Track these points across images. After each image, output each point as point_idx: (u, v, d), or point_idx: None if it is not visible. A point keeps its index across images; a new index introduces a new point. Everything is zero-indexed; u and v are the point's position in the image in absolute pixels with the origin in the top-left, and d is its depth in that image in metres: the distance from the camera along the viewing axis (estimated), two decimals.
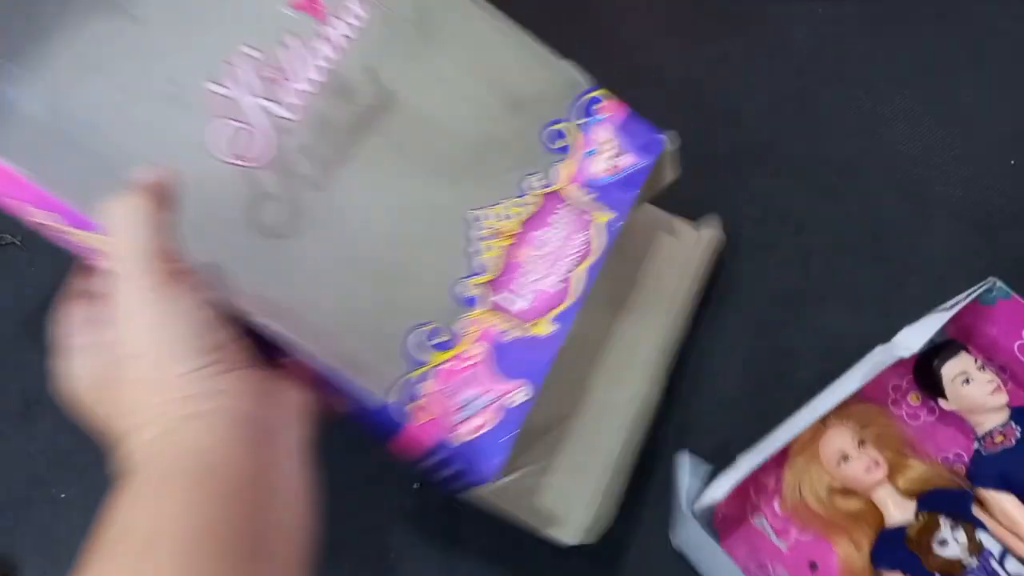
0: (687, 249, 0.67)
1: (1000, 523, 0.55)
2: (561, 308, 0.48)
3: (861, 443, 0.58)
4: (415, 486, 0.63)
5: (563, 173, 0.53)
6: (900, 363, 0.57)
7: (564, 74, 0.57)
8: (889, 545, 0.56)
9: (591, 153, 0.54)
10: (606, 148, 0.55)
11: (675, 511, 0.59)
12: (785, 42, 0.89)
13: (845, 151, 0.81)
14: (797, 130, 0.83)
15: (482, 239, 0.48)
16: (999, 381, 0.60)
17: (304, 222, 0.44)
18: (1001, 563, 0.53)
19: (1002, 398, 0.60)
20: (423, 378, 0.45)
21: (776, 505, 0.61)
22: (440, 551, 0.60)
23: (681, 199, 0.68)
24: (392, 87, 0.48)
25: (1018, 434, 0.58)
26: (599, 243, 0.51)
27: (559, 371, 0.48)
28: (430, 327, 0.45)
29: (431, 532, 0.60)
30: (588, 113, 0.56)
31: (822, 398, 0.57)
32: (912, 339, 0.56)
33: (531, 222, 0.50)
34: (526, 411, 0.46)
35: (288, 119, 0.44)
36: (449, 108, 0.51)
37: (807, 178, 0.80)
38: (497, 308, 0.47)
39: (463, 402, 0.45)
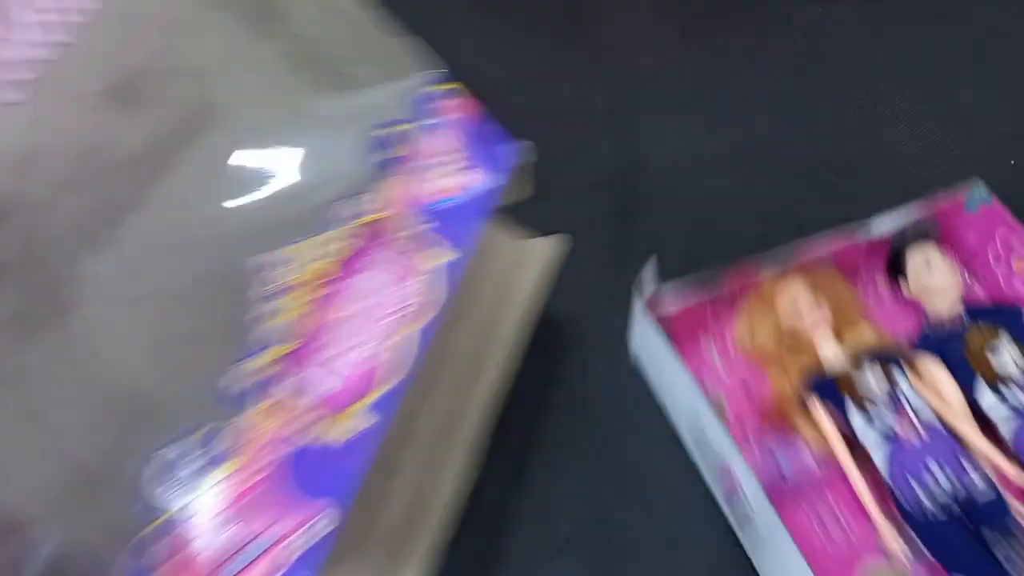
0: (525, 276, 0.53)
1: (924, 384, 0.59)
2: (380, 391, 0.35)
3: (816, 299, 0.63)
4: None
5: (390, 195, 0.39)
6: (875, 252, 0.62)
7: (397, 59, 0.43)
8: (822, 380, 0.60)
9: (428, 167, 0.42)
10: (449, 161, 0.42)
11: (633, 314, 0.61)
12: (785, 42, 0.89)
13: (845, 151, 0.81)
14: (797, 130, 0.83)
15: (271, 296, 0.35)
16: (959, 274, 0.65)
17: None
18: (901, 393, 0.57)
19: (957, 286, 0.64)
20: (165, 531, 0.30)
21: (727, 340, 0.66)
22: (440, 551, 0.60)
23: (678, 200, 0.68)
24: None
25: (976, 324, 0.61)
26: (435, 294, 0.38)
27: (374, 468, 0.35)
28: (177, 450, 0.32)
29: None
30: (426, 114, 0.43)
31: (793, 248, 0.64)
32: (887, 222, 0.62)
33: (345, 265, 0.37)
34: (330, 543, 0.33)
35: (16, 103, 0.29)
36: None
37: (807, 178, 0.80)
38: (290, 398, 0.34)
39: (231, 548, 0.31)
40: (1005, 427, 0.56)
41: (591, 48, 0.92)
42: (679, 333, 0.63)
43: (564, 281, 0.74)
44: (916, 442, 0.55)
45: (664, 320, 0.61)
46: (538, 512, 0.61)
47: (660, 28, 0.93)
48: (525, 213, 0.70)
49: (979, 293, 0.68)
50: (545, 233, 0.72)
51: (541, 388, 0.68)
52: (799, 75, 0.86)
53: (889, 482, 0.55)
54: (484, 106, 0.77)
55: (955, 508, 0.53)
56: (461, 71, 0.84)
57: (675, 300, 0.60)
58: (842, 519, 0.58)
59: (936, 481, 0.53)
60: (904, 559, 0.54)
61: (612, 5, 0.95)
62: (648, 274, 0.59)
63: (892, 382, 0.58)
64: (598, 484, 0.63)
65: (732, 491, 0.56)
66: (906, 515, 0.55)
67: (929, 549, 0.53)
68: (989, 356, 0.58)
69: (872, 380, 0.58)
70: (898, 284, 0.68)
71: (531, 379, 0.69)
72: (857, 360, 0.60)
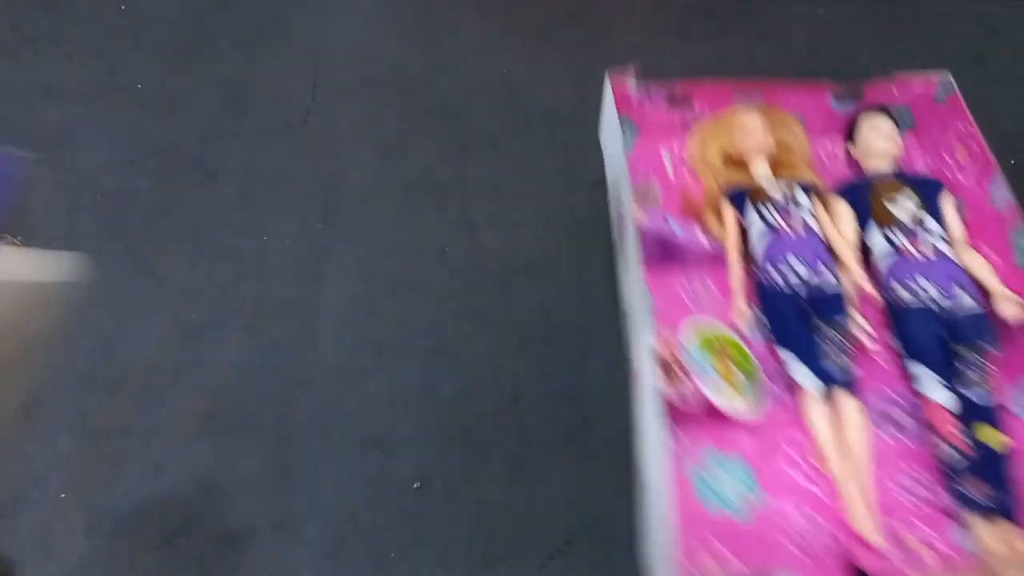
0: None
1: (826, 214, 0.71)
2: None
3: (768, 133, 0.74)
4: (415, 486, 0.63)
5: None
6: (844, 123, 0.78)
7: None
8: (738, 188, 0.73)
9: None
10: None
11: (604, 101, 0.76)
12: (785, 42, 0.89)
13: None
14: None
15: None
16: (899, 142, 0.75)
17: None
18: (796, 200, 0.70)
19: (892, 149, 0.74)
20: None
21: (682, 147, 0.80)
22: (440, 551, 0.60)
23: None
24: None
25: (888, 180, 0.72)
26: None
27: None
28: None
29: (431, 532, 0.60)
30: None
31: (765, 89, 0.78)
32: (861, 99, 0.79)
33: None
34: None
35: None
36: None
37: None
38: None
39: None
40: (882, 262, 0.68)
41: (593, 49, 0.91)
42: (646, 132, 0.78)
43: (564, 282, 0.74)
44: (791, 236, 0.67)
45: (635, 115, 0.77)
46: (538, 512, 0.61)
47: (661, 28, 0.93)
48: (534, 211, 0.70)
49: (925, 170, 0.78)
50: (533, 235, 0.72)
51: (542, 387, 0.69)
52: (799, 75, 0.86)
53: (759, 264, 0.68)
54: (482, 105, 0.77)
55: (802, 292, 0.65)
56: (463, 71, 0.84)
57: (650, 104, 0.77)
58: (704, 291, 0.70)
59: (793, 269, 0.66)
60: (744, 318, 0.68)
61: (612, 5, 0.95)
62: (629, 70, 0.72)
63: (793, 194, 0.70)
64: (598, 484, 0.63)
65: (620, 233, 0.70)
66: (760, 288, 0.68)
67: (765, 313, 0.67)
68: (888, 205, 0.70)
69: (777, 188, 0.71)
70: (848, 144, 0.79)
71: (531, 379, 0.69)
72: (780, 184, 0.72)
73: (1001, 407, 0.62)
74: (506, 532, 0.61)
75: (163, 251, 0.76)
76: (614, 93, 0.75)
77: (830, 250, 0.68)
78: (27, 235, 0.77)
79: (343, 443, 0.65)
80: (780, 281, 0.65)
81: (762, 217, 0.68)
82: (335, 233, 0.77)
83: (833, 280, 0.65)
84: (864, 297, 0.66)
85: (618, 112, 0.75)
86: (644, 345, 0.59)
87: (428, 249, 0.75)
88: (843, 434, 0.61)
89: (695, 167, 0.77)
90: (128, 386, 0.68)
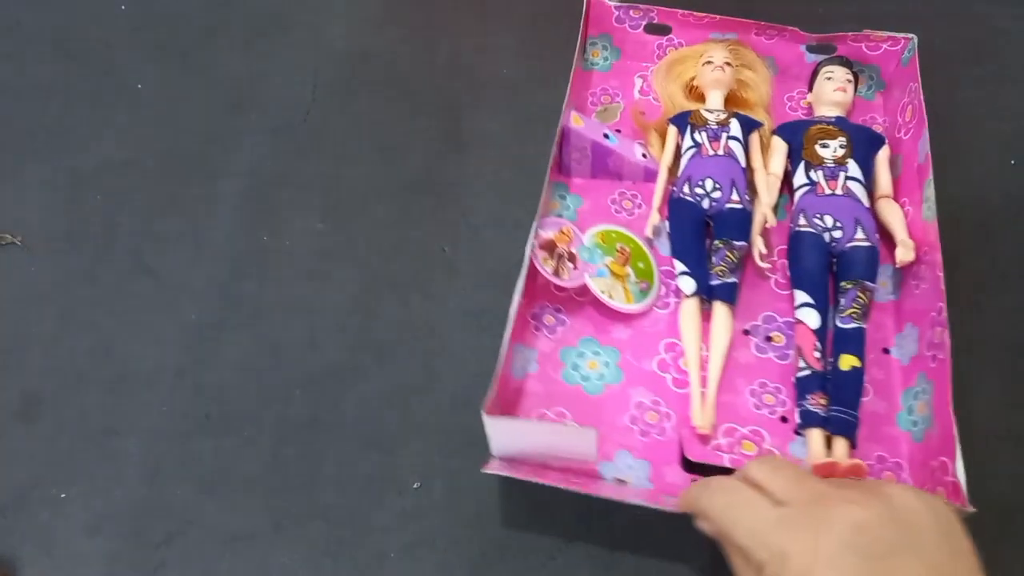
0: None
1: (761, 148, 0.73)
2: None
3: (729, 64, 0.76)
4: (415, 486, 0.63)
5: None
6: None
7: None
8: (684, 113, 0.75)
9: None
10: None
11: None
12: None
13: None
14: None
15: None
16: (850, 94, 0.76)
17: None
18: (728, 127, 0.72)
19: (839, 97, 0.75)
20: None
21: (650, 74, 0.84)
22: (440, 551, 0.60)
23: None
24: None
25: (826, 124, 0.73)
26: None
27: None
28: None
29: (432, 532, 0.60)
30: None
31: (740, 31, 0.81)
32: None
33: None
34: None
35: None
36: None
37: None
38: None
39: None
40: (799, 197, 0.70)
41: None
42: (625, 55, 0.85)
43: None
44: (711, 156, 0.70)
45: (616, 38, 0.84)
46: (539, 511, 0.61)
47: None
48: (534, 211, 0.70)
49: (878, 128, 0.80)
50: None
51: None
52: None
53: (677, 178, 0.72)
54: (482, 105, 0.77)
55: (707, 207, 0.69)
56: (462, 70, 0.84)
57: (630, 28, 0.84)
58: (629, 203, 0.75)
59: (703, 185, 0.69)
60: (652, 225, 0.71)
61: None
62: None
63: (727, 121, 0.73)
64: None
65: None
66: (670, 199, 0.71)
67: (670, 223, 0.70)
68: (817, 147, 0.71)
69: (713, 114, 0.73)
70: (807, 93, 0.81)
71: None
72: (720, 113, 0.74)
73: (885, 349, 0.66)
74: (507, 532, 0.61)
75: (163, 251, 0.76)
76: (590, 13, 0.80)
77: (749, 177, 0.71)
78: (28, 235, 0.77)
79: (343, 443, 0.65)
80: (688, 193, 0.68)
81: (693, 138, 0.71)
82: (335, 233, 0.77)
83: (740, 204, 0.67)
84: (768, 226, 0.68)
85: (597, 32, 0.81)
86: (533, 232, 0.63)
87: (428, 249, 0.75)
88: (708, 337, 0.65)
89: (659, 93, 0.80)
90: (128, 386, 0.68)
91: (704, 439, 0.62)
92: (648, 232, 0.71)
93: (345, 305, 0.72)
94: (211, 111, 0.86)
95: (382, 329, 0.71)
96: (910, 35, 0.79)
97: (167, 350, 0.70)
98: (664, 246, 0.72)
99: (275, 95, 0.87)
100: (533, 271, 0.65)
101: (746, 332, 0.67)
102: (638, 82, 0.84)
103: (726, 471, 0.57)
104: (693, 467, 0.60)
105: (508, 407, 0.63)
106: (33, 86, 0.88)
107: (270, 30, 0.93)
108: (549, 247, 0.66)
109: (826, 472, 0.57)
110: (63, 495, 0.62)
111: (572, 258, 0.66)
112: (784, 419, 0.63)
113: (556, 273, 0.65)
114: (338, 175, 0.81)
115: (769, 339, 0.67)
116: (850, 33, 0.80)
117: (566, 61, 0.77)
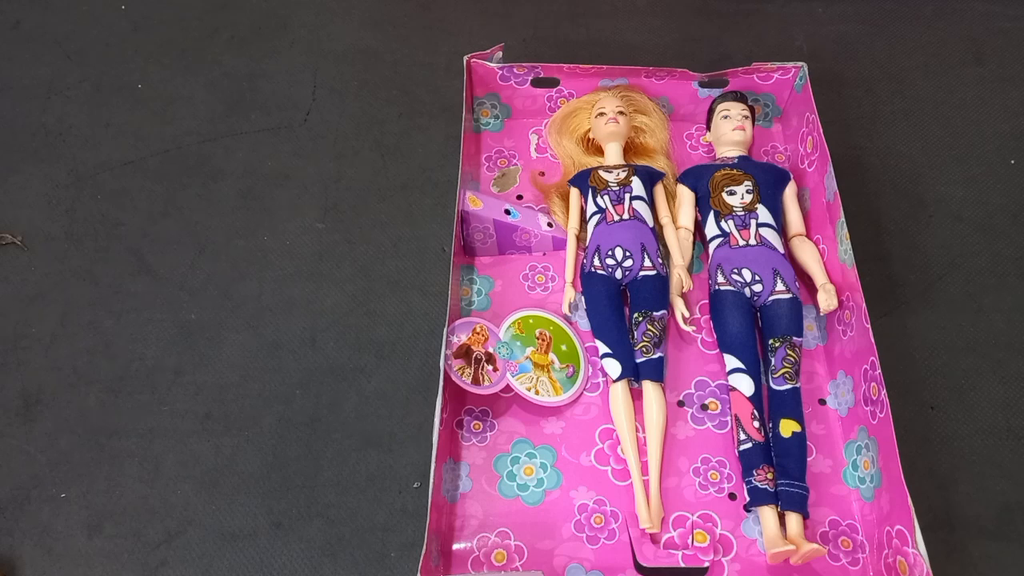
0: None
1: (667, 200, 0.72)
2: None
3: (623, 113, 0.74)
4: (415, 485, 0.63)
5: None
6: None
7: None
8: (583, 172, 0.73)
9: None
10: None
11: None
12: (785, 42, 0.89)
13: (844, 151, 0.81)
14: None
15: None
16: (749, 131, 0.73)
17: None
18: (629, 188, 0.70)
19: (739, 137, 0.72)
20: None
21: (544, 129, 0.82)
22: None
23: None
24: None
25: (730, 168, 0.71)
26: None
27: None
28: None
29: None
30: None
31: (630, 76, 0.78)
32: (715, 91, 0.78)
33: None
34: None
35: None
36: None
37: None
38: None
39: None
40: (713, 250, 0.68)
41: (592, 49, 0.92)
42: (516, 112, 0.82)
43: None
44: (616, 221, 0.68)
45: (504, 95, 0.81)
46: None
47: (662, 28, 0.93)
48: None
49: (779, 160, 0.79)
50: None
51: None
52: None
53: (586, 249, 0.69)
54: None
55: (620, 278, 0.67)
56: (463, 70, 0.84)
57: (515, 85, 0.80)
58: (542, 277, 0.72)
59: (614, 254, 0.67)
60: (568, 300, 0.68)
61: (613, 6, 0.95)
62: (494, 50, 0.76)
63: (628, 179, 0.71)
64: None
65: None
66: (582, 272, 0.68)
67: (585, 299, 0.67)
68: (724, 195, 0.70)
69: (613, 173, 0.71)
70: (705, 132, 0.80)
71: None
72: (618, 171, 0.71)
73: (821, 401, 0.64)
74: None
75: (163, 251, 0.76)
76: (473, 75, 0.76)
77: (659, 237, 0.68)
78: (28, 235, 0.78)
79: (343, 443, 0.65)
80: (600, 266, 0.66)
81: (596, 203, 0.68)
82: (335, 233, 0.77)
83: (654, 269, 0.65)
84: (686, 291, 0.67)
85: (484, 92, 0.78)
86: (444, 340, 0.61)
87: (428, 249, 0.75)
88: (642, 416, 0.63)
89: (556, 151, 0.78)
90: (128, 386, 0.68)
91: (655, 537, 0.59)
92: (565, 310, 0.68)
93: (345, 305, 0.72)
94: (211, 111, 0.86)
95: (382, 329, 0.71)
96: (799, 63, 0.75)
97: (167, 350, 0.70)
98: (583, 320, 0.69)
99: (275, 95, 0.87)
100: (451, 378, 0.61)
101: (680, 404, 0.65)
102: (533, 139, 0.81)
103: (682, 572, 0.56)
104: (648, 570, 0.58)
105: (446, 545, 0.58)
106: (33, 86, 0.88)
107: (270, 30, 0.93)
108: (465, 353, 0.62)
109: (781, 562, 0.55)
110: (63, 495, 0.62)
111: (491, 359, 0.63)
112: (732, 496, 0.60)
113: (476, 381, 0.62)
114: (338, 175, 0.81)
115: (705, 407, 0.64)
116: (740, 68, 0.77)
117: (568, 62, 0.77)
